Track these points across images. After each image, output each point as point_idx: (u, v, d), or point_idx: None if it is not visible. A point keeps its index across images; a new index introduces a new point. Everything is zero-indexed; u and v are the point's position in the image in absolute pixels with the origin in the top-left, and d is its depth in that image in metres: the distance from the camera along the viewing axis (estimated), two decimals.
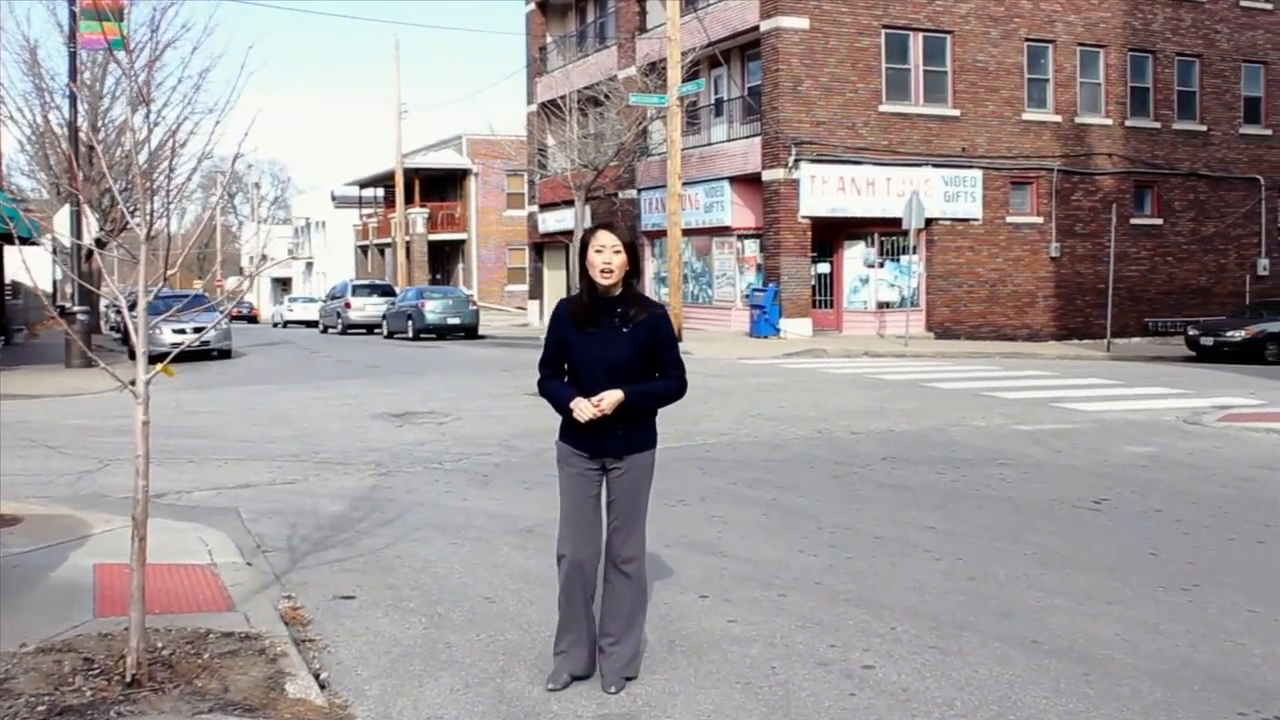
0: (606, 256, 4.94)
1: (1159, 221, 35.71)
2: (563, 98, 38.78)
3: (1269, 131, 37.27)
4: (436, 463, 11.66)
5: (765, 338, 30.35)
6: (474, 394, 17.99)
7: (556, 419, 5.18)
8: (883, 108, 31.41)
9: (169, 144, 19.44)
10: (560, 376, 5.12)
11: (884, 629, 6.07)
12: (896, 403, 16.71)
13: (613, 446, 5.04)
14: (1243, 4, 36.26)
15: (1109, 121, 34.57)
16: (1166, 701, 5.02)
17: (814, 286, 32.40)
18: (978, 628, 6.07)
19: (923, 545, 7.95)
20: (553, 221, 43.62)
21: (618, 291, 5.02)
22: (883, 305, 33.30)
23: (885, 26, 31.30)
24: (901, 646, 5.77)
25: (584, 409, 4.91)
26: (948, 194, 32.38)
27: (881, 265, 33.37)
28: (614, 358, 4.96)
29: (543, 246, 46.19)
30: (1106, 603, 6.52)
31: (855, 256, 33.39)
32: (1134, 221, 35.04)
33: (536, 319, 46.69)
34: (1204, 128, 36.08)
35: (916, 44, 31.84)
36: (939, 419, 14.94)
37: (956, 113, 32.30)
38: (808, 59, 30.41)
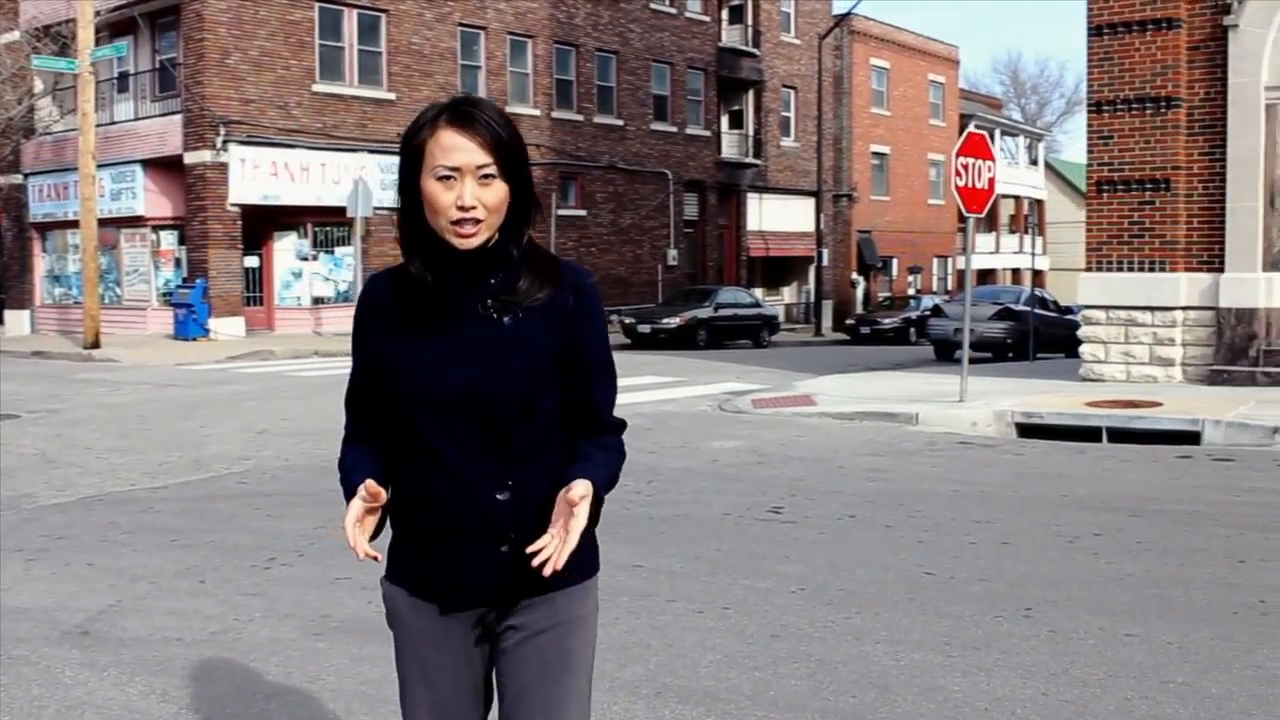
0: (465, 191, 2.20)
1: (583, 213, 36.23)
2: None
3: (675, 129, 39.14)
4: None
5: (195, 339, 26.87)
6: None
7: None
8: (316, 87, 28.93)
9: None
10: (378, 432, 2.40)
11: None
12: None
13: (494, 584, 2.30)
14: (652, 6, 37.73)
15: (537, 112, 34.46)
16: None
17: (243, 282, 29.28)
18: (877, 717, 4.39)
19: (659, 593, 6.13)
20: None
21: (487, 243, 2.27)
22: (318, 301, 30.86)
23: (319, 0, 28.85)
24: None
25: (352, 515, 2.23)
26: (385, 182, 30.49)
27: (316, 258, 30.91)
28: (482, 380, 2.26)
29: None
30: (973, 648, 5.09)
31: (287, 249, 30.61)
32: (560, 212, 35.21)
33: None
34: (621, 122, 37.09)
35: (351, 21, 29.66)
36: None
37: (392, 96, 30.54)
38: (236, 29, 27.22)
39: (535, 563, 2.15)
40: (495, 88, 33.12)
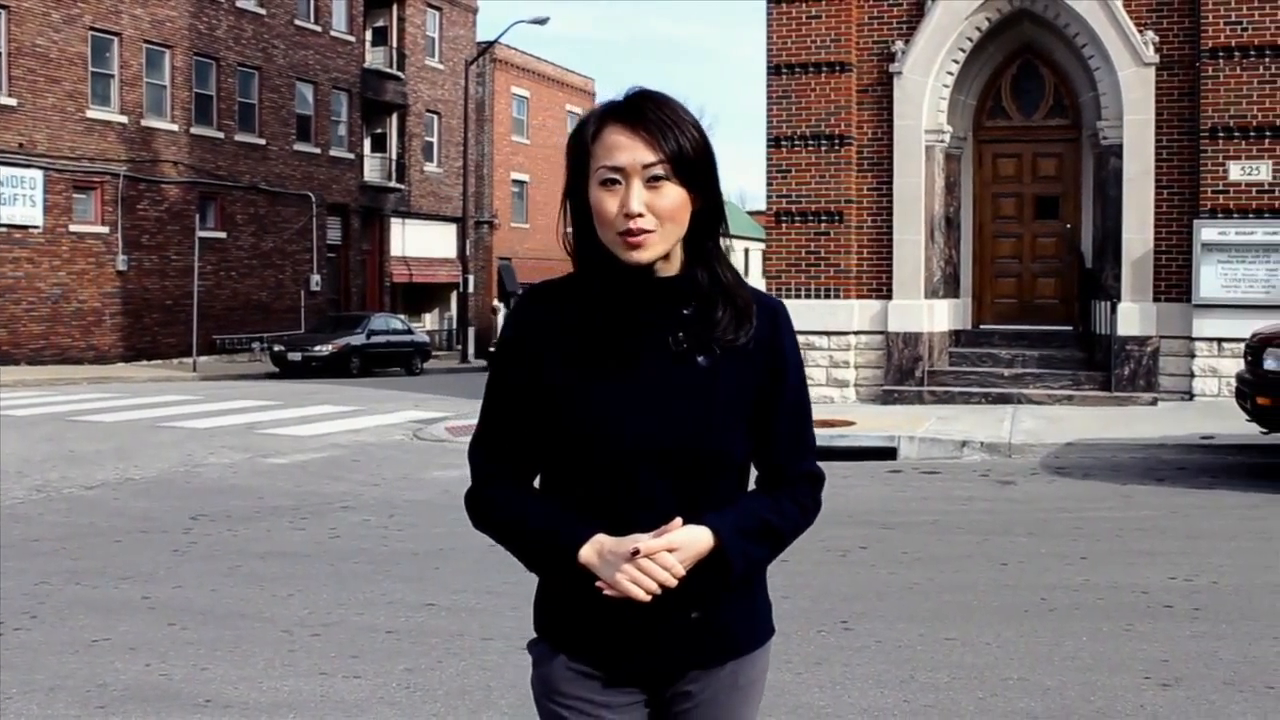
0: (632, 195, 1.92)
1: (223, 235, 34.49)
2: None
3: (318, 150, 37.99)
4: None
5: None
6: None
7: None
8: None
9: None
10: (524, 474, 2.08)
11: None
12: (78, 444, 13.48)
13: (680, 653, 2.02)
14: (296, 22, 36.50)
15: (175, 127, 32.53)
16: None
17: None
18: None
19: (470, 632, 5.88)
20: None
21: (673, 270, 2.02)
22: None
23: None
24: None
25: (648, 574, 1.88)
26: (5, 196, 27.97)
27: None
28: (672, 433, 1.96)
29: None
30: (815, 663, 5.17)
31: None
32: (199, 234, 33.31)
33: None
34: (263, 141, 35.61)
35: None
36: (167, 459, 12.27)
37: (13, 102, 27.95)
38: None
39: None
40: (130, 99, 31.03)
